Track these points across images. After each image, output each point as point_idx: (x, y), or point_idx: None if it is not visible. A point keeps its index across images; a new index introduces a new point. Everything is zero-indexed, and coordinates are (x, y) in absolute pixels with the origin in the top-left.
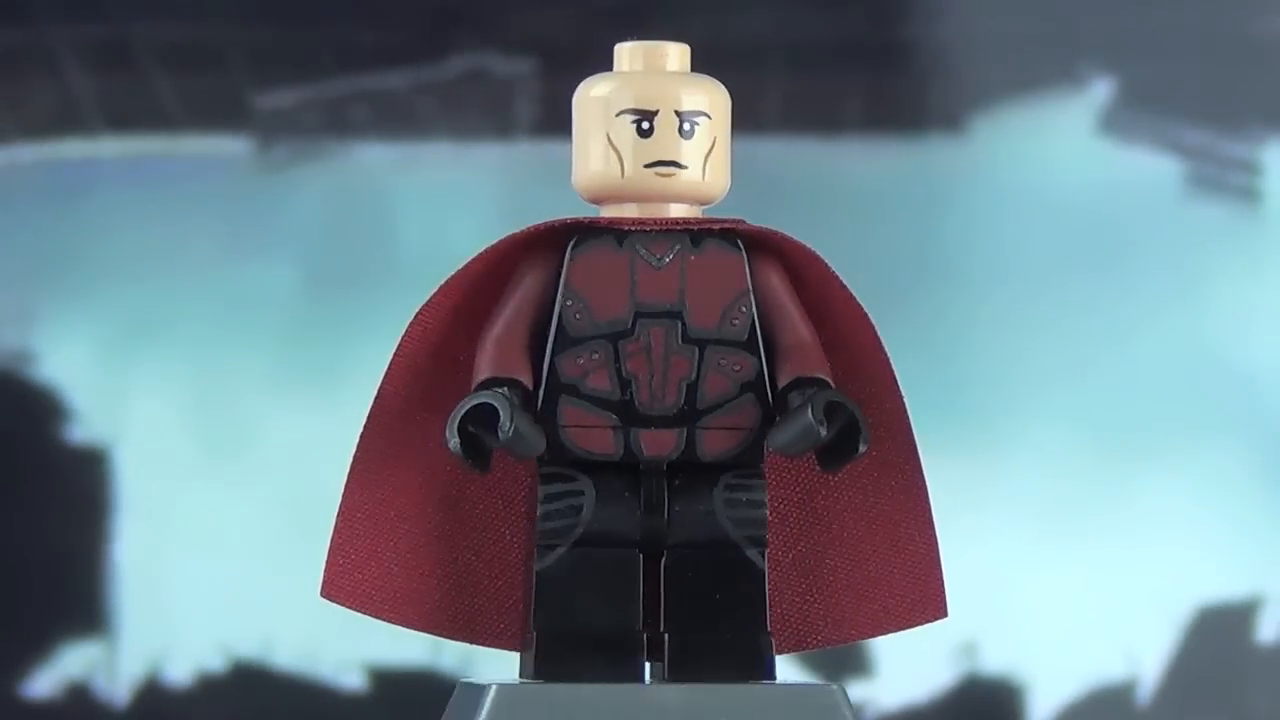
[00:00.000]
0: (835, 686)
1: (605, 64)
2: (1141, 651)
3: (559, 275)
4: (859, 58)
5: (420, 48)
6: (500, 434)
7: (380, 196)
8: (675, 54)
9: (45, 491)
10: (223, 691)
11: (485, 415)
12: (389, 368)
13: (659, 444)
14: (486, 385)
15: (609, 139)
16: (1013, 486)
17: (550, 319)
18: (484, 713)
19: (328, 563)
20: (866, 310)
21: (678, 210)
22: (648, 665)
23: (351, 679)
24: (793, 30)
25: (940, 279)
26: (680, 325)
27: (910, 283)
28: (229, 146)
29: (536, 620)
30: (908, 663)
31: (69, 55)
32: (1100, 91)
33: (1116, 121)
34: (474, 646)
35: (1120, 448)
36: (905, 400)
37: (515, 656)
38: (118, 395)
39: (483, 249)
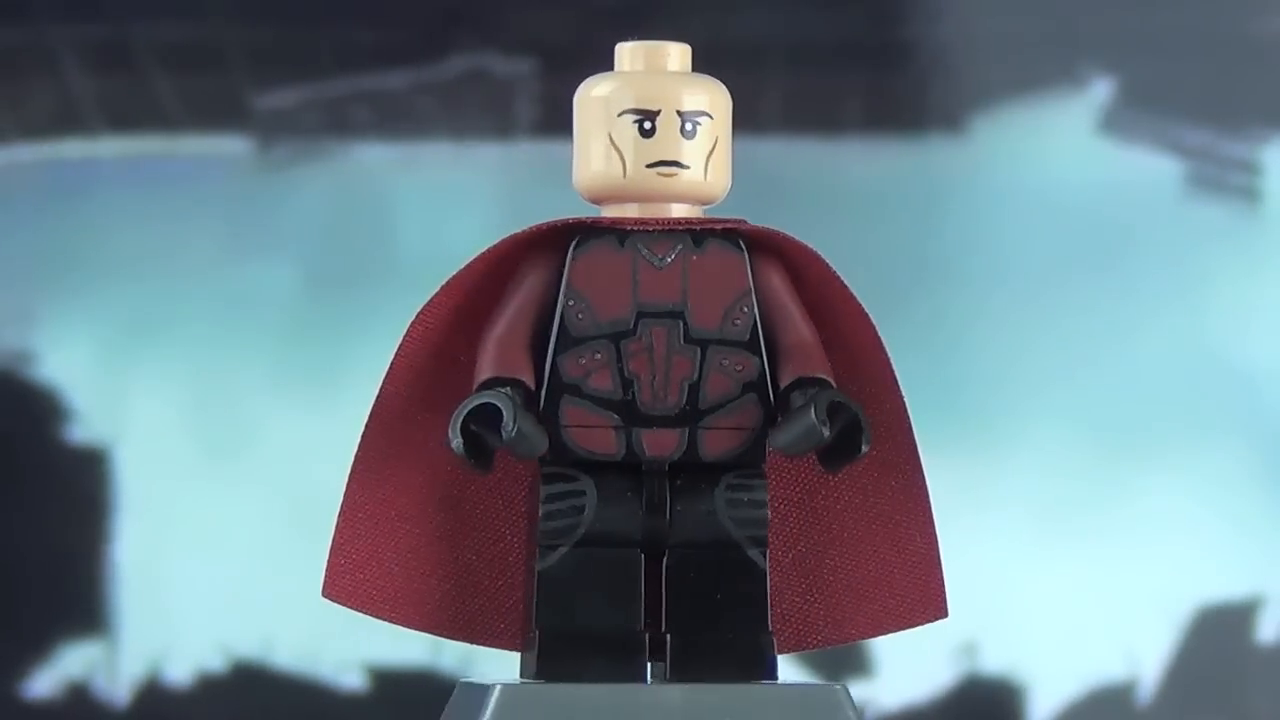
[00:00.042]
0: (839, 686)
1: (605, 64)
2: (1141, 651)
3: (561, 275)
4: (859, 58)
5: (420, 48)
6: (504, 434)
7: (380, 196)
8: (676, 54)
9: (45, 491)
10: (223, 691)
11: (488, 415)
12: (390, 368)
13: (661, 444)
14: (489, 385)
15: (611, 139)
16: (1013, 486)
17: (552, 319)
18: (488, 712)
19: (329, 563)
20: (867, 310)
21: (679, 210)
22: (649, 665)
23: (351, 679)
24: (793, 30)
25: (940, 279)
26: (682, 325)
27: (910, 283)
28: (229, 146)
29: (538, 620)
30: (908, 663)
31: (69, 55)
32: (1100, 91)
33: (1116, 121)
34: (474, 646)
35: (1120, 448)
36: (905, 400)
37: (515, 656)
38: (118, 395)
39: (484, 249)
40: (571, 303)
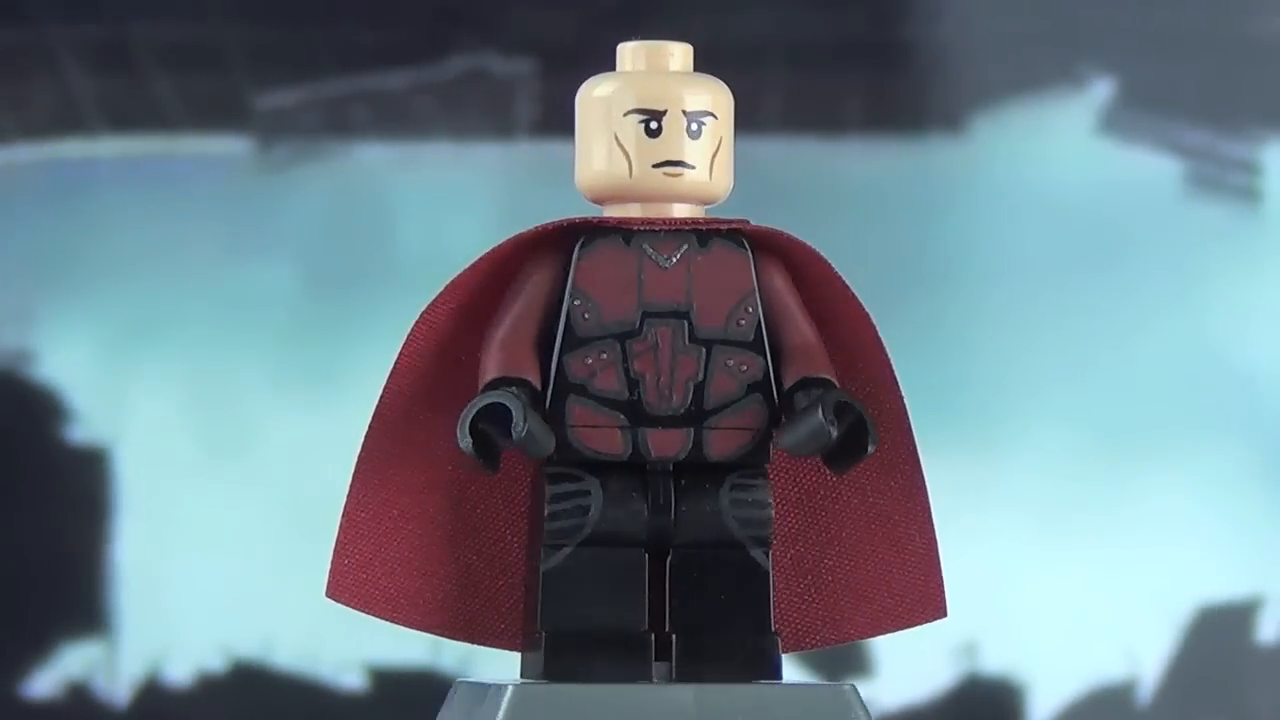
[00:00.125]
0: (848, 686)
1: (605, 64)
2: (1141, 651)
3: (566, 275)
4: (859, 58)
5: (420, 48)
6: (513, 433)
7: (380, 196)
8: (679, 54)
9: (45, 491)
10: (223, 691)
11: (495, 415)
12: (394, 367)
13: (666, 444)
14: (495, 385)
15: (615, 139)
16: (1013, 486)
17: (557, 319)
18: (501, 713)
19: (333, 563)
20: (867, 310)
21: (682, 210)
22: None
23: (351, 679)
24: (793, 30)
25: (940, 279)
26: (687, 325)
27: (910, 283)
28: (229, 146)
29: (543, 620)
30: (908, 663)
31: (69, 55)
32: (1100, 91)
33: (1116, 121)
34: (474, 646)
35: (1120, 448)
36: (905, 400)
37: (515, 656)
38: (118, 395)
39: (489, 249)
40: (577, 303)
